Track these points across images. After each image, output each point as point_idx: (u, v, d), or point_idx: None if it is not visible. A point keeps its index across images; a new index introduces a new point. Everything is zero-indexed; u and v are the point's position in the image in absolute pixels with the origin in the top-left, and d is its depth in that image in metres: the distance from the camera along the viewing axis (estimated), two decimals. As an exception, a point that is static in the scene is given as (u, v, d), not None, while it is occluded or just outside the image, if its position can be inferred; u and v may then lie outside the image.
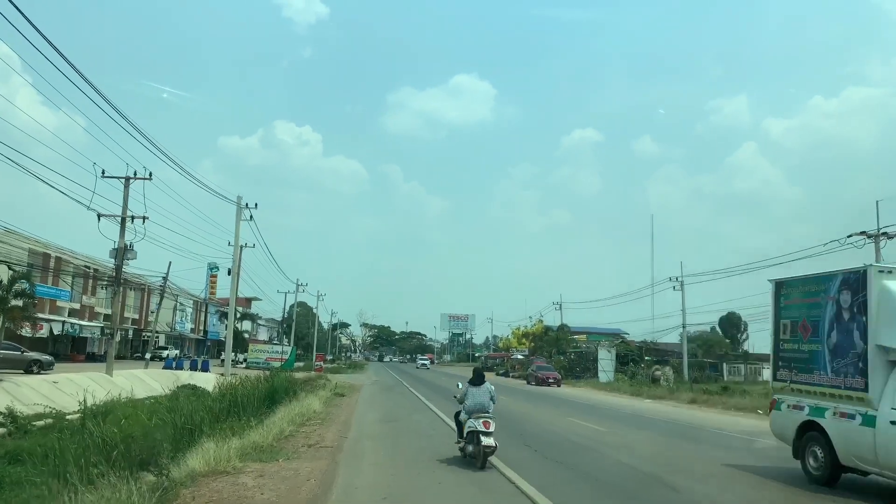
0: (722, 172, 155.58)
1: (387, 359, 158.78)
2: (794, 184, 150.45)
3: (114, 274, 35.10)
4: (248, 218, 42.02)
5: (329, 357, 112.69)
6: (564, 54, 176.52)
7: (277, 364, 54.61)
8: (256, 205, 42.27)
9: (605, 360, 46.63)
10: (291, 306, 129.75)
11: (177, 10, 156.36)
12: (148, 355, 43.09)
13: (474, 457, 10.27)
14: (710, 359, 59.76)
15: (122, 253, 33.13)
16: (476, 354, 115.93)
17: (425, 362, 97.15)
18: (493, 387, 11.46)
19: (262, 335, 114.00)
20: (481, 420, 10.37)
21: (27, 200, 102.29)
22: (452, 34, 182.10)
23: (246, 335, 66.11)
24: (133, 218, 33.01)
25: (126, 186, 33.19)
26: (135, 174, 33.04)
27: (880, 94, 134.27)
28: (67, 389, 24.22)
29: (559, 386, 43.32)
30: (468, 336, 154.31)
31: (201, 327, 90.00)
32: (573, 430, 15.91)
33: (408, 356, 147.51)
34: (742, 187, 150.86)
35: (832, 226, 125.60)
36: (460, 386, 11.90)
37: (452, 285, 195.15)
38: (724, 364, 58.54)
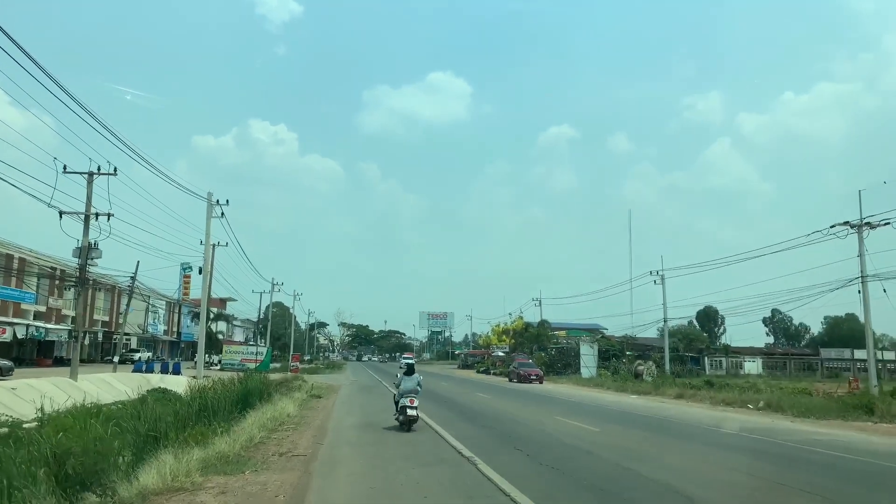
0: (696, 168, 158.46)
1: (365, 358, 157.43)
2: (767, 179, 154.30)
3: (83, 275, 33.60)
4: (220, 215, 40.55)
5: (306, 357, 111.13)
6: (540, 51, 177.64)
7: (252, 365, 53.36)
8: (228, 201, 40.76)
9: (588, 356, 45.95)
10: (267, 306, 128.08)
11: (147, 9, 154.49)
12: (116, 358, 41.45)
13: (403, 423, 14.68)
14: (692, 353, 59.54)
15: (86, 252, 31.63)
16: (456, 352, 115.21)
17: (410, 361, 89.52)
18: (420, 377, 15.98)
19: (238, 336, 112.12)
20: (408, 398, 14.80)
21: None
22: (428, 31, 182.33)
23: (220, 336, 64.50)
24: (97, 215, 31.55)
25: (89, 182, 31.68)
26: (98, 169, 31.63)
27: (849, 90, 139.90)
28: (27, 396, 22.78)
29: (541, 382, 42.52)
30: (447, 334, 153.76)
31: (175, 329, 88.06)
32: (565, 430, 14.98)
33: (387, 355, 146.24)
34: (716, 183, 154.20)
35: (805, 219, 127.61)
36: (398, 376, 15.83)
37: (431, 284, 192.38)
38: (706, 358, 58.33)
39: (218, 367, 55.22)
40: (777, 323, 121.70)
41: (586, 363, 45.60)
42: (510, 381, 45.32)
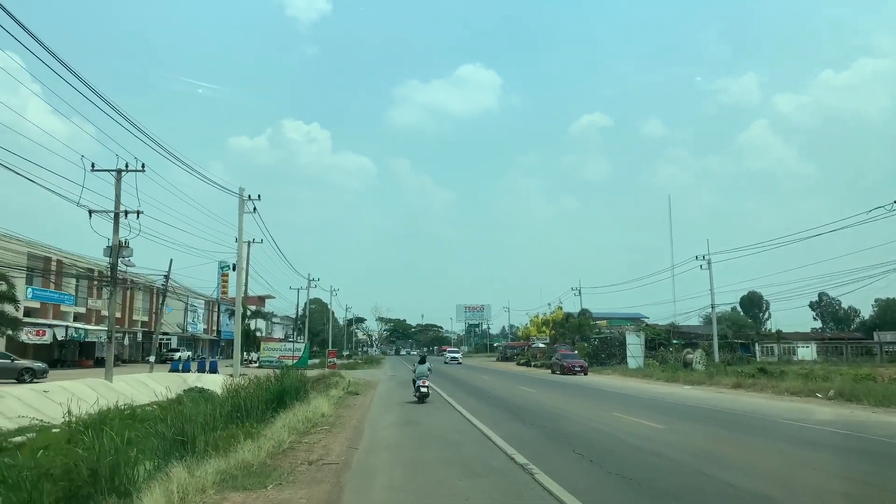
0: (732, 152, 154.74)
1: (403, 352, 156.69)
2: (807, 160, 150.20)
3: (114, 273, 33.15)
4: (252, 210, 39.81)
5: (345, 353, 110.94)
6: (569, 39, 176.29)
7: (290, 362, 52.70)
8: (259, 196, 40.01)
9: (634, 345, 44.11)
10: (306, 303, 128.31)
11: (177, 14, 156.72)
12: (152, 358, 41.08)
13: (419, 398, 20.62)
14: (741, 339, 57.05)
15: (117, 250, 31.11)
16: (495, 344, 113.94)
17: (456, 356, 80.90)
18: (430, 364, 22.71)
19: (278, 333, 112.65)
20: (421, 380, 20.93)
21: (42, 211, 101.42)
22: (455, 24, 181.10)
23: (259, 334, 64.25)
24: (127, 213, 31.02)
25: (118, 180, 31.16)
26: (126, 166, 31.04)
27: (890, 65, 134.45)
28: (59, 398, 22.32)
29: (586, 374, 40.89)
30: (485, 326, 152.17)
31: (214, 327, 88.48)
32: (625, 428, 13.48)
33: (425, 349, 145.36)
34: (754, 165, 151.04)
35: (846, 199, 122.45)
36: (415, 365, 22.65)
37: (466, 277, 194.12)
38: (756, 344, 55.80)
39: (256, 365, 54.81)
40: (825, 307, 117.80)
41: (632, 353, 43.76)
42: (553, 372, 43.78)
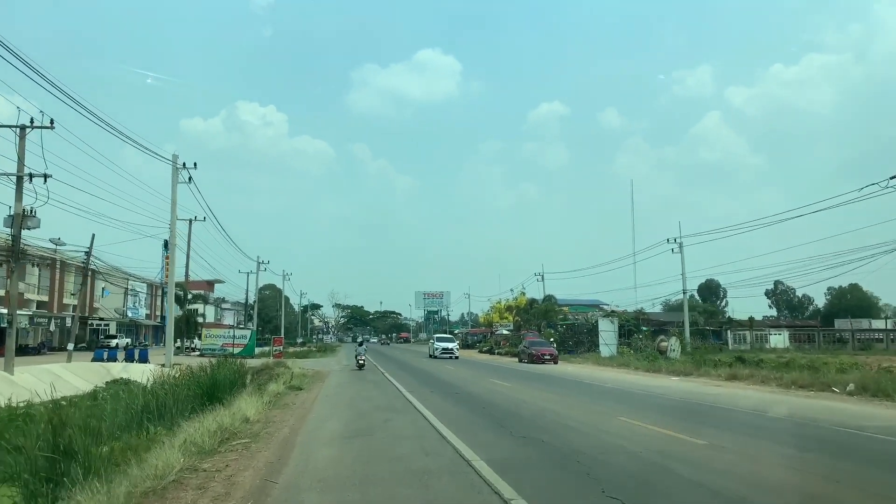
0: (687, 143, 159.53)
1: (361, 339, 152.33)
2: (758, 151, 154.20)
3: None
4: (187, 180, 35.39)
5: (299, 340, 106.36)
6: (529, 27, 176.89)
7: (235, 351, 48.51)
8: (196, 164, 35.65)
9: (607, 332, 41.11)
10: (257, 289, 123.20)
11: None
12: (70, 346, 36.31)
13: (359, 367, 31.50)
14: (711, 326, 54.81)
15: (20, 219, 26.50)
16: (455, 331, 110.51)
17: (450, 347, 56.91)
18: (366, 346, 35.82)
19: (228, 320, 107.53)
20: (360, 356, 32.16)
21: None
22: (413, 8, 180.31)
23: (201, 319, 59.48)
24: (31, 176, 26.42)
25: (21, 138, 26.56)
26: (31, 122, 26.41)
27: (838, 60, 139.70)
28: (-65, 395, 18.28)
29: (556, 363, 37.75)
30: (444, 313, 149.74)
31: (158, 313, 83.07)
32: (653, 444, 9.89)
33: (384, 336, 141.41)
34: (707, 156, 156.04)
35: (795, 191, 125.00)
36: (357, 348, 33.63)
37: (426, 264, 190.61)
38: (728, 331, 53.61)
39: (197, 354, 50.35)
40: (780, 295, 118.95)
41: (605, 340, 40.76)
42: (520, 361, 40.60)
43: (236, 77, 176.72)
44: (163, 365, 31.75)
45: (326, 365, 39.73)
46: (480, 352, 63.22)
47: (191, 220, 55.18)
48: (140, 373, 27.82)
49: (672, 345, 40.75)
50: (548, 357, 37.64)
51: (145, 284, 78.80)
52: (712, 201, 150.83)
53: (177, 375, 20.52)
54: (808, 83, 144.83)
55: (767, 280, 74.39)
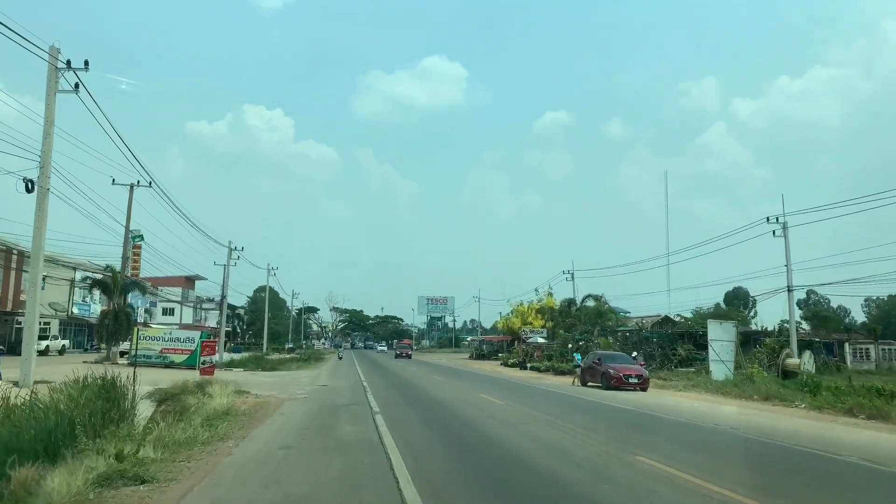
0: (691, 154, 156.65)
1: (360, 345, 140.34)
2: (762, 164, 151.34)
3: None
4: (73, 89, 22.32)
5: (288, 346, 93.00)
6: (535, 36, 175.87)
7: (178, 359, 35.42)
8: (87, 63, 22.64)
9: (722, 344, 27.45)
10: (256, 290, 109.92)
11: None
12: None
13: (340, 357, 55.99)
14: (821, 338, 41.36)
15: None
16: (469, 339, 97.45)
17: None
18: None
19: (212, 322, 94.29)
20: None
21: None
22: (420, 14, 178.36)
23: (146, 318, 46.52)
24: None
25: None
26: None
27: (843, 75, 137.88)
28: None
29: (645, 389, 24.40)
30: (448, 320, 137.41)
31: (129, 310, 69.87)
32: None
33: (383, 343, 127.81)
34: (711, 167, 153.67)
35: (799, 203, 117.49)
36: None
37: (428, 270, 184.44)
38: (847, 345, 40.26)
39: (125, 361, 37.15)
40: (812, 306, 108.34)
41: (720, 354, 27.19)
42: (582, 384, 27.24)
43: (243, 80, 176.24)
44: (15, 383, 19.28)
45: (296, 383, 26.49)
46: (503, 365, 49.76)
47: (132, 186, 42.35)
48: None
49: (806, 360, 27.33)
50: (634, 380, 24.18)
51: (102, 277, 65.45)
52: (715, 212, 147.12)
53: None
54: (814, 96, 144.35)
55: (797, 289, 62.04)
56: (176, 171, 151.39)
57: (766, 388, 21.76)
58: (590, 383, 26.90)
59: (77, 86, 22.36)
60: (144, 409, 19.59)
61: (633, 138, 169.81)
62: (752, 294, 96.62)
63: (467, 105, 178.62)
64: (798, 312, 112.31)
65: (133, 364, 36.02)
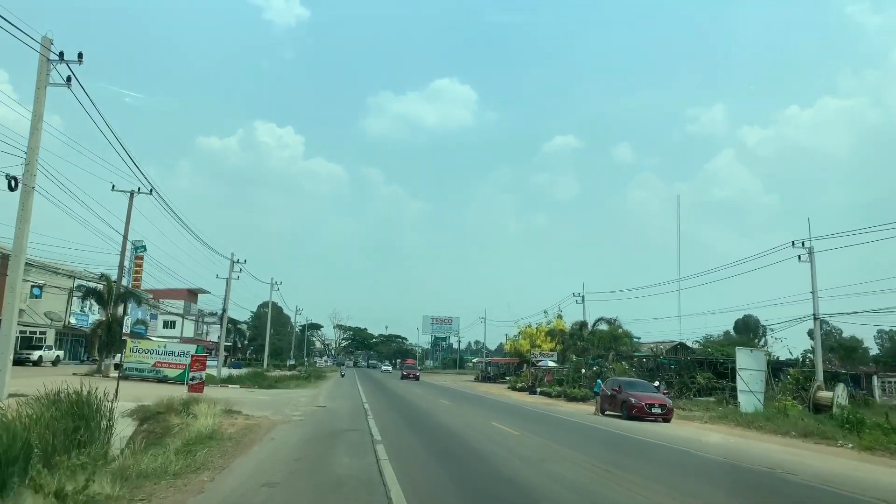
0: (699, 180, 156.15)
1: (363, 363, 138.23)
2: (771, 191, 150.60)
3: None
4: (65, 82, 20.95)
5: (290, 363, 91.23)
6: (545, 60, 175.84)
7: (172, 373, 33.91)
8: (81, 56, 21.27)
9: (751, 373, 25.52)
10: (260, 306, 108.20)
11: (155, 11, 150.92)
12: None
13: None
14: (845, 369, 39.37)
15: None
16: (474, 360, 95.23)
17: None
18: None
19: (213, 337, 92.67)
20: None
21: None
22: (432, 37, 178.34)
23: (142, 329, 44.88)
24: None
25: None
26: None
27: (853, 105, 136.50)
28: None
29: (669, 419, 22.55)
30: (452, 340, 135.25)
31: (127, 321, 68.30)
32: None
33: (387, 362, 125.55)
34: (719, 194, 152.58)
35: (807, 233, 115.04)
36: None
37: (433, 290, 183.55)
38: (875, 378, 38.27)
39: (116, 375, 35.51)
40: (824, 336, 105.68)
41: (749, 384, 25.26)
42: (602, 412, 25.35)
43: (255, 98, 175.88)
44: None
45: (292, 403, 24.73)
46: (511, 388, 47.78)
47: (132, 192, 40.99)
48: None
49: (839, 395, 25.42)
50: (657, 410, 22.32)
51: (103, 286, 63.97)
52: (722, 239, 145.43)
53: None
54: (824, 126, 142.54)
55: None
56: (185, 185, 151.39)
57: (804, 424, 19.89)
58: (608, 412, 25.01)
59: (69, 79, 20.96)
60: (125, 429, 17.91)
61: (641, 163, 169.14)
62: (762, 322, 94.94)
63: (476, 127, 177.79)
64: (809, 342, 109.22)
65: (119, 378, 34.50)
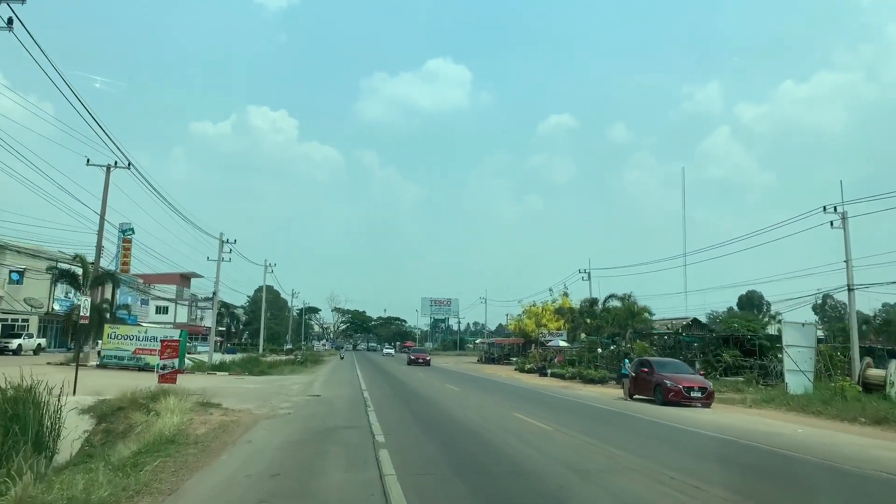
0: (695, 158, 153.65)
1: (362, 346, 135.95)
2: (767, 169, 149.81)
3: None
4: (6, 25, 17.96)
5: (286, 347, 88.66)
6: (540, 39, 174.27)
7: (156, 360, 30.92)
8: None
9: (800, 350, 22.70)
10: (257, 290, 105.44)
11: None
12: None
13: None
14: (882, 345, 36.60)
15: None
16: (477, 341, 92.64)
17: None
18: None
19: (208, 322, 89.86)
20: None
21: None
22: (425, 17, 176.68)
23: (124, 314, 41.93)
24: None
25: None
26: None
27: (849, 80, 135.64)
28: None
29: (708, 405, 19.79)
30: (453, 322, 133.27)
31: (106, 307, 65.32)
32: None
33: (388, 344, 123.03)
34: (715, 173, 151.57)
35: (804, 209, 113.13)
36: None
37: (431, 272, 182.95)
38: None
39: (94, 363, 32.69)
40: (829, 311, 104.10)
41: (798, 363, 22.44)
42: (630, 396, 22.59)
43: (248, 81, 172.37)
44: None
45: (283, 392, 21.93)
46: (521, 370, 45.04)
47: (108, 167, 37.88)
48: None
49: (892, 372, 22.60)
50: (697, 394, 19.55)
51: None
52: (719, 218, 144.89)
53: None
54: (819, 101, 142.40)
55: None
56: (180, 171, 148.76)
57: (874, 408, 17.13)
58: (636, 395, 22.25)
59: (10, 21, 17.91)
60: (80, 429, 15.07)
61: (637, 142, 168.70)
62: (765, 297, 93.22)
63: (471, 107, 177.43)
64: (814, 317, 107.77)
65: (103, 365, 31.68)
